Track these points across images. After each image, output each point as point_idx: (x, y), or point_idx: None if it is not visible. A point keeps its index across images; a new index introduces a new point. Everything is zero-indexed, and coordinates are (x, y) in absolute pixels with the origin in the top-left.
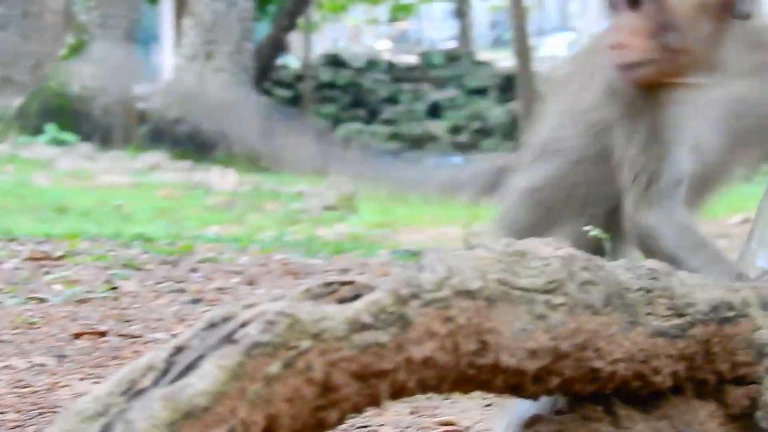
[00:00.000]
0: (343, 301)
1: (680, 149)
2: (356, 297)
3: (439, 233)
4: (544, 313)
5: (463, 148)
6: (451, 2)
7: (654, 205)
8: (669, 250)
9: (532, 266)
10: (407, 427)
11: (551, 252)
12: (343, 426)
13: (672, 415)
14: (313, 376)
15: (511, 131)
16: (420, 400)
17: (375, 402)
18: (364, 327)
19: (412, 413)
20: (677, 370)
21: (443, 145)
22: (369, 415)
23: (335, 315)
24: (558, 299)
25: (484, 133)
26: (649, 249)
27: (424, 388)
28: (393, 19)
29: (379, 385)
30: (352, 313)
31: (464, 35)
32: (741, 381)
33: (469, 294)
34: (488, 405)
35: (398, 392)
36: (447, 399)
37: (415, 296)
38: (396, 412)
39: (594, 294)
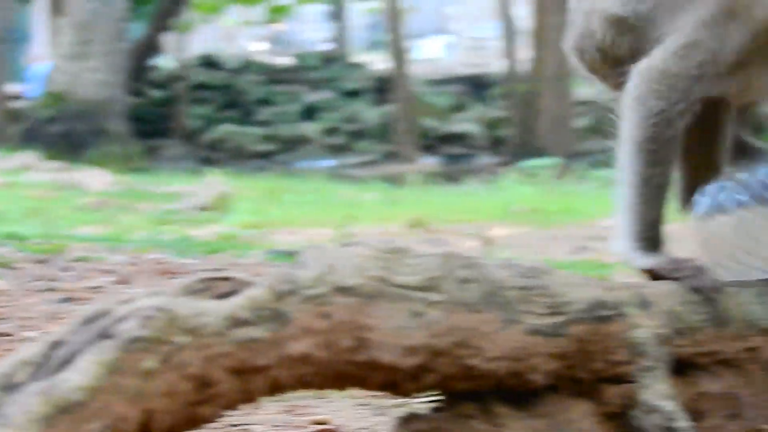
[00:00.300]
0: (220, 297)
1: None
2: (234, 293)
3: (313, 234)
4: (421, 311)
5: (337, 150)
6: (328, 4)
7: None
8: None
9: (410, 264)
10: (281, 426)
11: (432, 249)
12: (216, 425)
13: (548, 413)
14: (189, 372)
15: (385, 132)
16: (294, 398)
17: (251, 398)
18: (242, 323)
19: (286, 412)
20: (554, 369)
21: (317, 147)
22: (242, 414)
23: (213, 311)
24: (435, 297)
25: (359, 135)
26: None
27: (301, 384)
28: (269, 20)
29: (255, 381)
30: (230, 309)
31: (340, 37)
32: (617, 380)
33: (346, 291)
34: (362, 404)
35: (275, 388)
36: (321, 398)
37: (292, 292)
38: (270, 410)
39: (471, 292)
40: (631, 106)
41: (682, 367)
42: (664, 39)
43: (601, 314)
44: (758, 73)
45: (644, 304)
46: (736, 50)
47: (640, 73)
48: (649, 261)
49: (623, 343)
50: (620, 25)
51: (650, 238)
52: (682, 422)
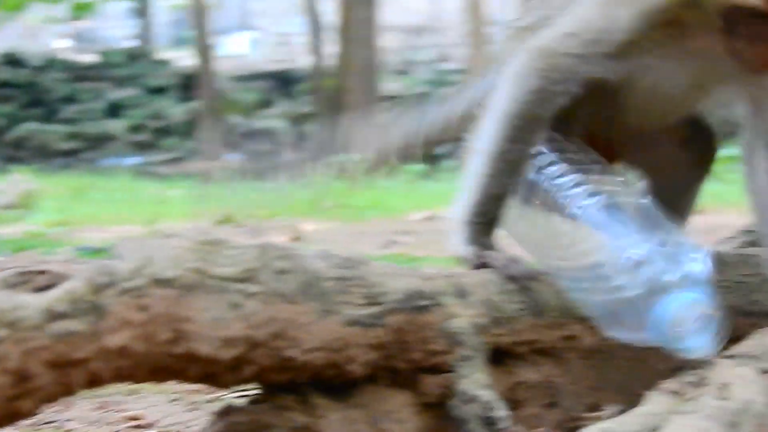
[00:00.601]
0: (38, 290)
1: None
2: (51, 286)
3: (121, 231)
4: (238, 302)
5: (142, 147)
6: (132, 1)
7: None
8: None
9: (228, 255)
10: (94, 422)
11: (248, 240)
12: (29, 421)
13: (366, 403)
14: (7, 366)
15: (190, 129)
16: (107, 395)
17: (70, 391)
18: (60, 316)
19: (99, 408)
20: (371, 359)
21: (123, 144)
22: (56, 410)
23: (30, 304)
24: (252, 288)
25: (164, 131)
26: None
27: (119, 377)
28: (73, 17)
29: (74, 374)
30: (47, 302)
31: (145, 34)
32: (435, 370)
33: (164, 283)
34: (175, 400)
35: (94, 381)
36: (134, 394)
37: (110, 285)
38: (83, 407)
39: (289, 283)
40: (511, 80)
41: (500, 357)
42: (555, 20)
43: (418, 304)
44: (644, 59)
45: (461, 294)
46: (623, 32)
47: (527, 50)
48: (466, 250)
49: (441, 333)
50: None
51: (486, 215)
52: (501, 411)
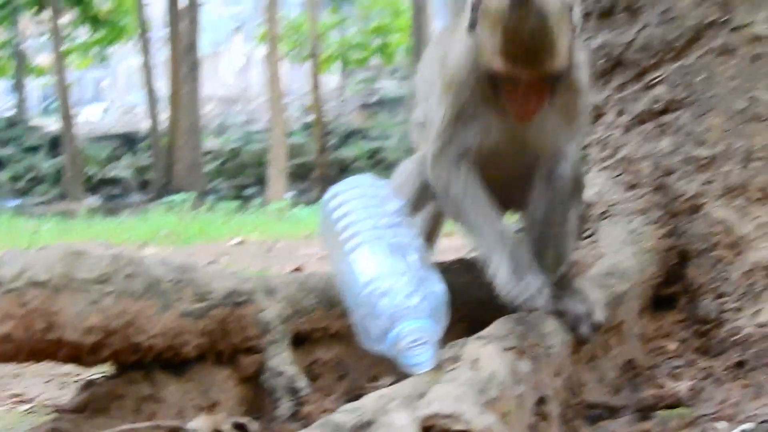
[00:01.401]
0: None
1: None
2: None
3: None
4: (97, 299)
5: (21, 192)
6: (9, 79)
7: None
8: (456, 198)
9: (88, 263)
10: None
11: (103, 251)
12: None
13: (197, 378)
14: None
15: (58, 178)
16: None
17: None
18: None
19: None
20: (201, 343)
21: (5, 190)
22: None
23: None
24: (108, 288)
25: (38, 180)
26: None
27: (5, 358)
28: None
29: None
30: None
31: (21, 105)
32: (250, 351)
33: (39, 284)
34: (49, 380)
35: None
36: (16, 376)
37: None
38: None
39: (136, 284)
40: (437, 192)
41: (300, 340)
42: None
43: (237, 300)
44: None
45: (270, 292)
46: (455, 118)
47: (423, 159)
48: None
49: (254, 322)
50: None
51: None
52: (302, 383)
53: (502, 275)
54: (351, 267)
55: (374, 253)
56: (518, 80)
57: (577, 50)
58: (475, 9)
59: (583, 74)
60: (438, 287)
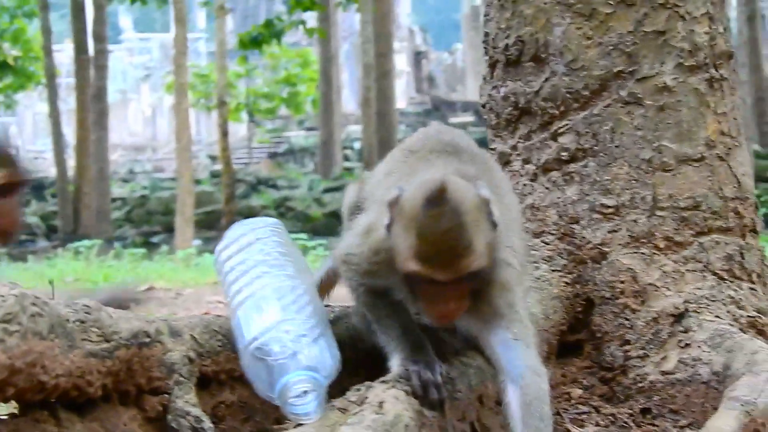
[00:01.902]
0: None
1: None
2: None
3: None
4: (2, 338)
5: None
6: None
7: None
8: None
9: None
10: None
11: (8, 291)
12: None
13: (103, 418)
14: None
15: None
16: None
17: None
18: None
19: None
20: (106, 383)
21: None
22: None
23: None
24: (13, 327)
25: None
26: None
27: None
28: None
29: None
30: None
31: None
32: (156, 391)
33: None
34: None
35: None
36: None
37: None
38: None
39: (41, 324)
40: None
41: (206, 382)
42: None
43: (142, 341)
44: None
45: (175, 333)
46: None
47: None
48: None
49: (160, 363)
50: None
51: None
52: (207, 424)
53: (395, 362)
54: (238, 322)
55: (259, 307)
56: (435, 282)
57: (500, 247)
58: (391, 208)
59: (509, 272)
60: (327, 335)
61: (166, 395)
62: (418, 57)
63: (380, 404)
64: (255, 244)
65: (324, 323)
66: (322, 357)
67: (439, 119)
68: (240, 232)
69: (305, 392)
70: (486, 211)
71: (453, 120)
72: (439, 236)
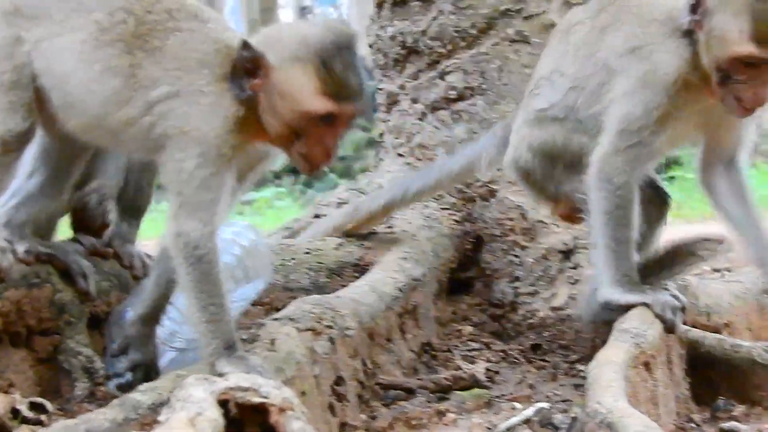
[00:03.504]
0: None
1: None
2: None
3: None
4: None
5: None
6: None
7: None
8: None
9: None
10: None
11: None
12: None
13: None
14: None
15: None
16: None
17: None
18: None
19: None
20: None
21: None
22: None
23: None
24: None
25: None
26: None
27: None
28: None
29: None
30: None
31: None
32: (46, 332)
33: None
34: None
35: None
36: None
37: None
38: None
39: None
40: (598, 186)
41: (97, 322)
42: (600, 129)
43: (32, 282)
44: (677, 124)
45: (65, 274)
46: (657, 111)
47: (599, 158)
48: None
49: (50, 304)
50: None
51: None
52: (98, 363)
53: (605, 282)
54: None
55: None
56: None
57: None
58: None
59: None
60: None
61: (57, 336)
62: (303, 11)
63: (272, 342)
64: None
65: None
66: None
67: None
68: None
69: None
70: None
71: None
72: None
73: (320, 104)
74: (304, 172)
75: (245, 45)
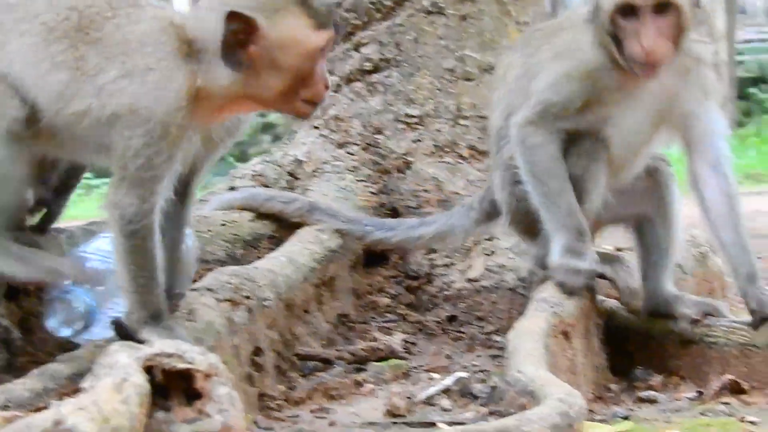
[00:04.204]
0: None
1: None
2: None
3: None
4: None
5: None
6: None
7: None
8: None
9: None
10: None
11: None
12: None
13: None
14: None
15: None
16: None
17: None
18: None
19: None
20: None
21: None
22: None
23: None
24: None
25: None
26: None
27: None
28: None
29: None
30: None
31: None
32: None
33: None
34: None
35: None
36: None
37: None
38: None
39: None
40: (519, 150)
41: (14, 293)
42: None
43: None
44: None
45: None
46: (574, 96)
47: (515, 125)
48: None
49: None
50: None
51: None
52: (16, 334)
53: (556, 251)
54: None
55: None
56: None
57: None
58: None
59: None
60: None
61: None
62: None
63: (191, 312)
64: None
65: None
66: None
67: None
68: None
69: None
70: None
71: None
72: None
73: (320, 37)
74: (306, 116)
75: (233, 15)
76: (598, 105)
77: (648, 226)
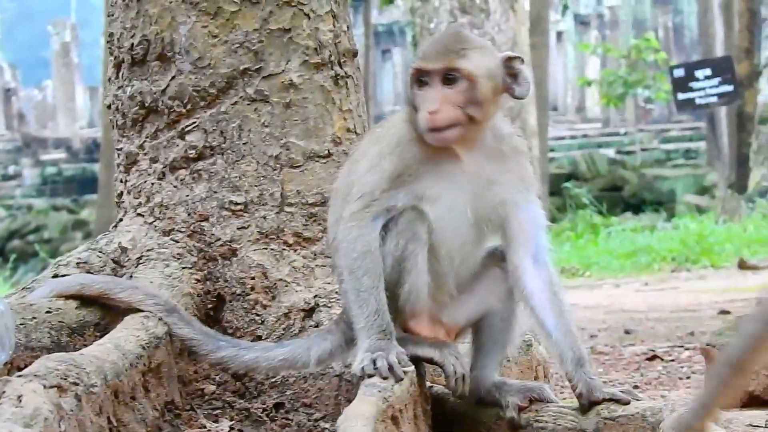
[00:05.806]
0: None
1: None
2: None
3: None
4: None
5: None
6: None
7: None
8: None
9: None
10: None
11: None
12: None
13: None
14: None
15: None
16: None
17: None
18: None
19: None
20: None
21: None
22: None
23: None
24: None
25: None
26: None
27: None
28: None
29: None
30: None
31: None
32: None
33: None
34: None
35: None
36: None
37: None
38: None
39: None
40: (342, 247)
41: None
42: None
43: None
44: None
45: None
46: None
47: (342, 220)
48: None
49: None
50: None
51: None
52: None
53: (361, 350)
54: None
55: None
56: (424, 74)
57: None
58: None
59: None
60: None
61: None
62: (7, 94)
63: (19, 398)
64: None
65: None
66: None
67: (31, 156)
68: None
69: None
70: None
71: (45, 157)
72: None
73: None
74: None
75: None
76: (411, 179)
77: (490, 317)
